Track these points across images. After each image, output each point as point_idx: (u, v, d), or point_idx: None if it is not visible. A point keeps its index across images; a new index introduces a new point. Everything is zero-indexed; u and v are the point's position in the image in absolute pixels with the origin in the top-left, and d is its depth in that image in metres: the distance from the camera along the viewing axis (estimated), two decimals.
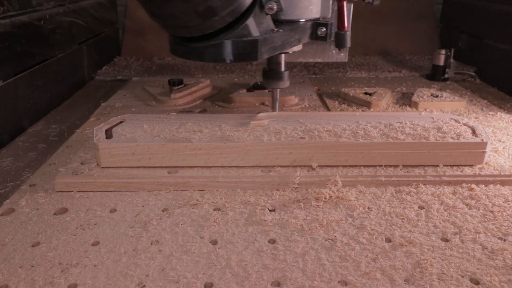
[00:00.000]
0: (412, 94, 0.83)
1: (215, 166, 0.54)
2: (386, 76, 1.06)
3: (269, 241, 0.42)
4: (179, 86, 0.86)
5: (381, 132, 0.56)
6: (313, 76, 1.06)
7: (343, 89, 0.86)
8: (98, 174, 0.52)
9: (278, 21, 0.55)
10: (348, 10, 0.62)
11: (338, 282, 0.37)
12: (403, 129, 0.57)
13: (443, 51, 0.97)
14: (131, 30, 1.29)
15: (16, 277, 0.37)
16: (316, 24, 0.59)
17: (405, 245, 0.41)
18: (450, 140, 0.54)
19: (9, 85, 0.68)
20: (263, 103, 0.82)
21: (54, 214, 0.47)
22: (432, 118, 0.61)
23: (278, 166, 0.54)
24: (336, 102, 0.83)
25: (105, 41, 1.20)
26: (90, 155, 0.57)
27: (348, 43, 0.62)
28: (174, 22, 0.47)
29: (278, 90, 0.66)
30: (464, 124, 0.58)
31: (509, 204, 0.48)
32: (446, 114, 0.64)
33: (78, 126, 0.73)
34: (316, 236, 0.43)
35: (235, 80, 1.01)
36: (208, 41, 0.49)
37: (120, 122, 0.59)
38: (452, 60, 0.97)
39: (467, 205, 0.48)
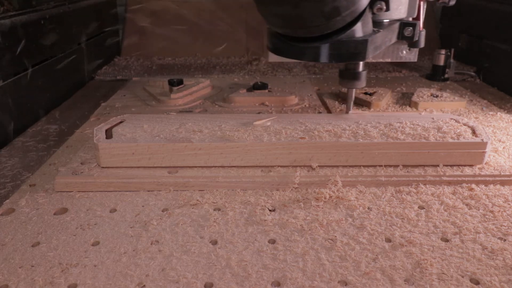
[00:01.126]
0: (412, 94, 0.83)
1: (215, 166, 0.54)
2: (386, 76, 1.06)
3: (269, 241, 0.42)
4: (179, 86, 0.86)
5: (381, 132, 0.56)
6: (313, 76, 1.06)
7: (343, 89, 0.86)
8: (98, 174, 0.52)
9: (374, 22, 0.55)
10: (423, 10, 0.62)
11: (338, 282, 0.37)
12: (403, 129, 0.57)
13: (443, 51, 0.97)
14: (131, 30, 1.29)
15: (16, 277, 0.37)
16: (403, 24, 0.59)
17: (405, 245, 0.41)
18: (450, 140, 0.54)
19: (9, 85, 0.68)
20: (263, 103, 0.82)
21: (54, 214, 0.47)
22: (432, 118, 0.61)
23: (278, 166, 0.54)
24: (336, 102, 0.83)
25: (105, 41, 1.20)
26: (90, 155, 0.57)
27: (423, 43, 0.62)
28: (297, 22, 0.48)
29: (354, 90, 0.67)
30: (464, 124, 0.58)
31: (509, 204, 0.48)
32: (446, 114, 0.64)
33: (78, 126, 0.73)
34: (316, 236, 0.43)
35: (235, 80, 1.01)
36: (321, 41, 0.50)
37: (120, 122, 0.59)
38: (452, 60, 0.97)
39: (467, 205, 0.48)
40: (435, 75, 0.99)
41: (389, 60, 0.67)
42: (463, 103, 0.80)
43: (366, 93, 0.83)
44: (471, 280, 0.37)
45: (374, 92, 0.83)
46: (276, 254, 0.40)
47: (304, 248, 0.41)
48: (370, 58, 0.59)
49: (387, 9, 0.52)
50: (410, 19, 0.60)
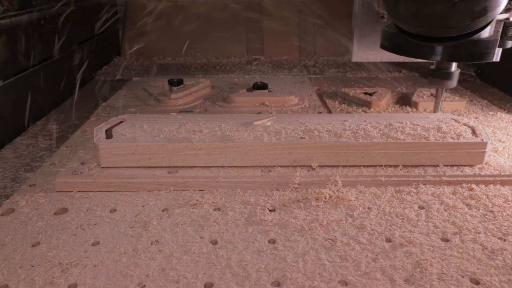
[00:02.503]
0: (412, 94, 0.83)
1: (215, 166, 0.54)
2: (386, 76, 1.06)
3: (269, 241, 0.42)
4: (179, 86, 0.86)
5: (381, 132, 0.56)
6: (313, 76, 1.06)
7: (343, 89, 0.86)
8: (98, 174, 0.52)
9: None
10: None
11: (338, 282, 0.37)
12: (403, 129, 0.57)
13: None
14: (131, 30, 1.29)
15: (16, 277, 0.37)
16: (507, 24, 0.58)
17: (405, 245, 0.41)
18: (450, 140, 0.54)
19: (9, 85, 0.68)
20: (263, 103, 0.82)
21: (54, 214, 0.47)
22: (432, 118, 0.61)
23: (278, 166, 0.54)
24: (336, 102, 0.83)
25: (105, 41, 1.20)
26: (90, 155, 0.57)
27: (510, 43, 0.61)
28: (439, 22, 0.50)
29: (444, 90, 0.67)
30: (464, 124, 0.58)
31: (509, 204, 0.48)
32: (446, 114, 0.64)
33: (78, 126, 0.73)
34: (316, 236, 0.43)
35: (235, 80, 1.01)
36: (454, 41, 0.52)
37: (120, 122, 0.59)
38: None
39: (467, 205, 0.48)
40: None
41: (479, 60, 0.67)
42: (463, 103, 0.80)
43: (366, 93, 0.83)
44: (471, 280, 0.37)
45: (374, 92, 0.83)
46: (276, 254, 0.40)
47: (304, 248, 0.41)
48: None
49: None
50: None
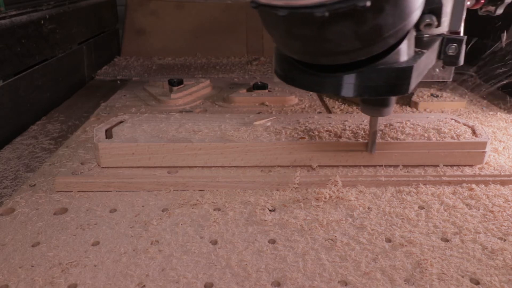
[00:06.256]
0: (412, 94, 0.83)
1: (215, 166, 0.54)
2: None
3: (269, 241, 0.42)
4: (179, 86, 0.86)
5: (381, 132, 0.56)
6: None
7: None
8: (98, 174, 0.52)
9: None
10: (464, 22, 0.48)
11: (338, 282, 0.37)
12: (403, 129, 0.57)
13: None
14: (131, 30, 1.29)
15: (16, 277, 0.37)
16: (447, 40, 0.45)
17: (405, 245, 0.41)
18: (450, 140, 0.54)
19: (9, 85, 0.68)
20: (263, 103, 0.82)
21: (54, 214, 0.47)
22: (432, 118, 0.61)
23: (278, 166, 0.54)
24: (336, 102, 0.83)
25: (105, 41, 1.20)
26: (90, 155, 0.57)
27: (462, 60, 0.47)
28: (320, 47, 0.36)
29: (378, 119, 0.50)
30: (464, 124, 0.58)
31: (509, 204, 0.48)
32: (446, 114, 0.64)
33: (78, 126, 0.73)
34: (316, 236, 0.43)
35: (235, 80, 1.01)
36: (349, 70, 0.38)
37: (120, 122, 0.59)
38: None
39: (467, 205, 0.48)
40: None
41: (419, 79, 0.51)
42: (463, 103, 0.80)
43: None
44: (471, 280, 0.37)
45: None
46: (276, 254, 0.40)
47: (304, 248, 0.41)
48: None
49: (439, 24, 0.40)
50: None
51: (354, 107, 0.80)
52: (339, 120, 0.60)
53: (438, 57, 0.47)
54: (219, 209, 0.47)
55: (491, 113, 0.77)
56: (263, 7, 0.30)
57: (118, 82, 1.02)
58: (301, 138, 0.55)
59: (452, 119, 0.61)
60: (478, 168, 0.54)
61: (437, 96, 0.81)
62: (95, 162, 0.54)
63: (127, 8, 1.30)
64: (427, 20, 0.39)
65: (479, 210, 0.47)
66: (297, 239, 0.42)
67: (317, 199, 0.49)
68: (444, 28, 0.45)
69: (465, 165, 0.54)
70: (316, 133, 0.56)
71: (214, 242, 0.42)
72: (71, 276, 0.37)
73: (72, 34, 0.95)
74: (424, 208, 0.47)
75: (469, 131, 0.56)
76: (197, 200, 0.49)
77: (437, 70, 0.52)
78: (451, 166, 0.54)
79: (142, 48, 1.27)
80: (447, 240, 0.42)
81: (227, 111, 0.79)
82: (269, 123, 0.59)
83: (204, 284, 0.37)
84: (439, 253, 0.40)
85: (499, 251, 0.40)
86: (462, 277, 0.37)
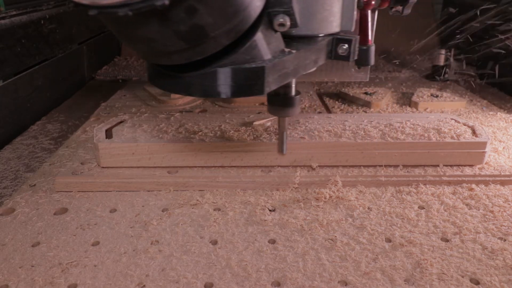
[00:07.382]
0: (412, 94, 0.83)
1: (215, 166, 0.54)
2: (386, 76, 1.06)
3: (269, 241, 0.42)
4: None
5: (381, 132, 0.56)
6: None
7: (343, 89, 0.86)
8: (98, 174, 0.52)
9: (289, 38, 0.42)
10: (372, 21, 0.49)
11: (338, 282, 0.37)
12: (403, 129, 0.57)
13: (443, 51, 0.97)
14: None
15: (16, 277, 0.37)
16: (337, 40, 0.46)
17: (405, 245, 0.41)
18: (450, 140, 0.54)
19: (9, 85, 0.68)
20: (263, 103, 0.82)
21: (54, 214, 0.47)
22: (432, 118, 0.61)
23: (278, 166, 0.54)
24: (336, 102, 0.83)
25: (105, 41, 1.20)
26: (90, 155, 0.57)
27: (372, 60, 0.49)
28: (152, 46, 0.35)
29: (286, 119, 0.52)
30: (464, 124, 0.58)
31: (509, 204, 0.48)
32: (446, 114, 0.64)
33: (78, 126, 0.73)
34: (316, 236, 0.43)
35: None
36: (197, 70, 0.37)
37: (120, 122, 0.59)
38: (452, 60, 0.97)
39: (467, 205, 0.48)
40: (435, 75, 0.99)
41: (336, 79, 0.55)
42: (463, 103, 0.80)
43: (366, 93, 0.83)
44: (471, 280, 0.37)
45: (374, 92, 0.83)
46: (276, 254, 0.40)
47: (304, 248, 0.41)
48: (294, 82, 0.47)
49: (294, 25, 0.38)
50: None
51: (354, 107, 0.80)
52: (339, 120, 0.60)
53: (330, 58, 0.46)
54: (219, 209, 0.47)
55: (491, 113, 0.77)
56: (82, 6, 0.28)
57: (120, 81, 1.02)
58: (301, 138, 0.55)
59: (452, 119, 0.61)
60: (478, 168, 0.54)
61: (437, 96, 0.81)
62: (95, 162, 0.54)
63: None
64: (280, 20, 0.38)
65: (479, 210, 0.47)
66: (297, 239, 0.42)
67: (317, 199, 0.49)
68: (334, 27, 0.45)
69: (465, 165, 0.54)
70: (316, 133, 0.56)
71: (214, 242, 0.42)
72: (71, 276, 0.37)
73: (72, 34, 0.95)
74: (424, 208, 0.47)
75: (469, 131, 0.56)
76: (197, 200, 0.49)
77: (353, 70, 0.54)
78: (451, 166, 0.54)
79: None
80: (447, 240, 0.42)
81: (227, 111, 0.79)
82: (269, 123, 0.59)
83: (204, 284, 0.37)
84: (439, 253, 0.40)
85: (499, 251, 0.40)
86: (462, 277, 0.37)
